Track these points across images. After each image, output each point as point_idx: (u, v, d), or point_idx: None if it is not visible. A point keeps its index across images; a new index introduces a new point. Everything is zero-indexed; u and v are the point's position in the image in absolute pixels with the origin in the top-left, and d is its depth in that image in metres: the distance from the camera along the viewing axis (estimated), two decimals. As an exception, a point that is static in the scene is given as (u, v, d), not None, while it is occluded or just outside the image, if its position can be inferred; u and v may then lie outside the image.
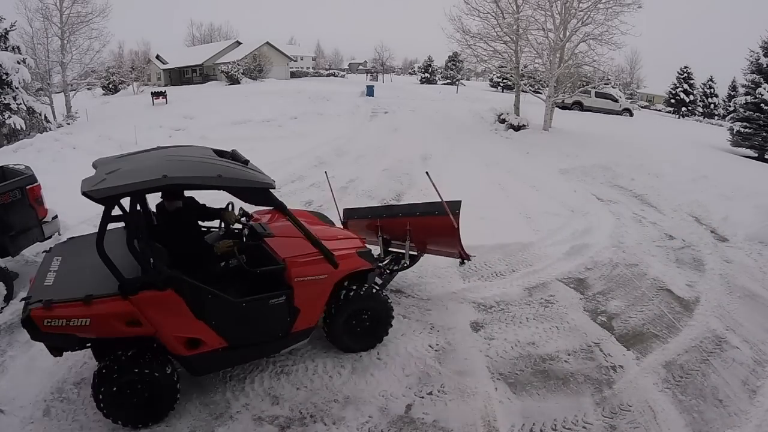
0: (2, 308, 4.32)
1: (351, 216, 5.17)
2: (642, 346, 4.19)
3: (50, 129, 14.98)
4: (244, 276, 3.51)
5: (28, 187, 4.67)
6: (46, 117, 15.66)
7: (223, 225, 4.18)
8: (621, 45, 13.20)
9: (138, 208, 3.26)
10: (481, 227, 6.84)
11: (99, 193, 2.75)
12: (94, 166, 3.50)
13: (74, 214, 6.20)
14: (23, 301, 2.92)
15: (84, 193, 2.75)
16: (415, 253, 4.71)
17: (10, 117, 14.02)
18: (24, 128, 14.26)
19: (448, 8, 15.26)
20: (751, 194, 8.42)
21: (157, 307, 2.99)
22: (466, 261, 4.62)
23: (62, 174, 8.55)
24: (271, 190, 3.29)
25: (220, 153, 3.58)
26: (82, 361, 3.72)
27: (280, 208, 3.37)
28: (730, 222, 7.33)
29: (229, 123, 14.32)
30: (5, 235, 4.46)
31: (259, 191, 3.29)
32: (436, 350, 3.97)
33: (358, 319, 3.81)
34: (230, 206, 4.04)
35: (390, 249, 4.96)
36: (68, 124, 16.64)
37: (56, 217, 5.04)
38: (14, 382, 3.47)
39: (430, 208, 4.43)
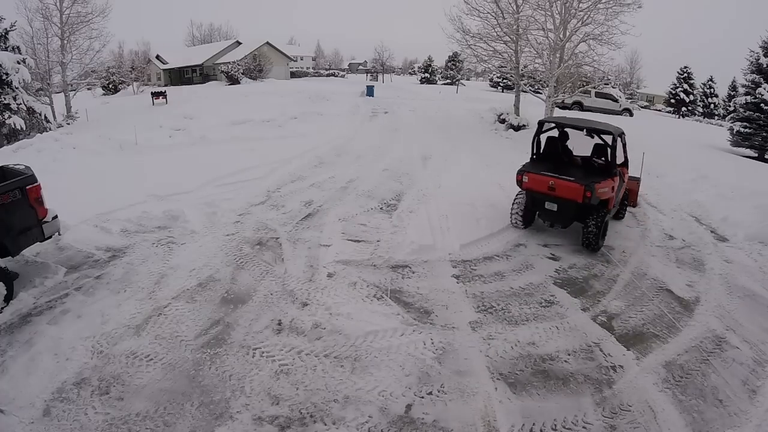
0: (2, 308, 4.32)
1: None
2: (642, 346, 4.19)
3: (50, 129, 14.99)
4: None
5: (28, 187, 4.66)
6: (46, 117, 15.67)
7: None
8: (621, 45, 13.20)
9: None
10: (482, 227, 6.85)
11: (617, 130, 6.67)
12: (542, 121, 6.96)
13: (74, 214, 6.21)
14: (582, 186, 5.73)
15: (606, 131, 6.41)
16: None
17: (10, 117, 14.03)
18: (24, 128, 14.27)
19: (448, 8, 15.29)
20: (751, 194, 8.41)
21: (616, 183, 6.33)
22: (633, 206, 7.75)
23: (62, 174, 8.56)
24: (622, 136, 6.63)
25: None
26: (81, 361, 3.72)
27: (624, 145, 6.93)
28: (730, 222, 7.33)
29: (229, 123, 14.34)
30: (5, 235, 4.46)
31: (619, 134, 6.53)
32: (436, 350, 3.98)
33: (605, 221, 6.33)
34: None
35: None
36: (68, 124, 16.65)
37: (56, 217, 5.04)
38: (14, 382, 3.47)
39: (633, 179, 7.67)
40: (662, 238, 6.86)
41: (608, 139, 6.43)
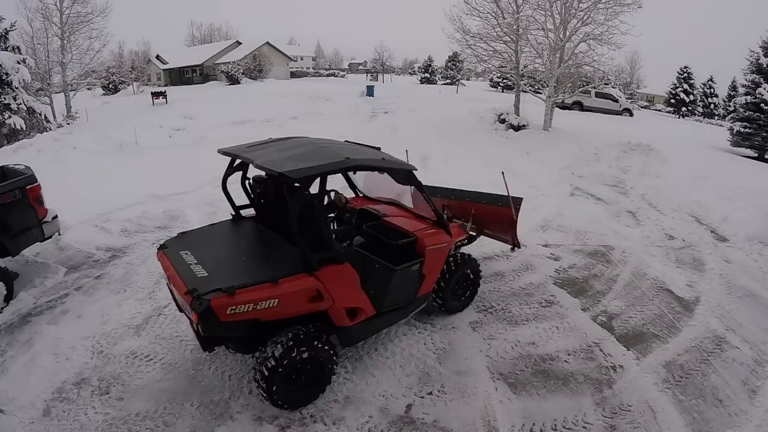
0: (2, 308, 4.32)
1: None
2: (642, 346, 4.19)
3: (50, 129, 14.99)
4: (385, 248, 3.94)
5: (28, 187, 4.67)
6: (46, 117, 15.67)
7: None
8: (621, 45, 13.20)
9: (324, 186, 3.36)
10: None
11: (298, 173, 2.94)
12: (227, 153, 3.72)
13: (74, 214, 6.21)
14: (191, 295, 2.74)
15: (281, 174, 2.90)
16: (474, 234, 5.21)
17: (10, 117, 14.03)
18: (24, 128, 14.27)
19: (448, 8, 15.28)
20: (751, 194, 8.41)
21: (336, 280, 3.17)
22: (516, 249, 5.38)
23: (62, 174, 8.56)
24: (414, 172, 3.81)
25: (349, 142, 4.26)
26: (81, 362, 3.72)
27: (419, 187, 3.89)
28: (730, 222, 7.33)
29: (229, 123, 14.34)
30: (5, 235, 4.46)
31: (407, 173, 3.79)
32: (436, 350, 3.97)
33: (460, 283, 4.43)
34: (332, 193, 4.42)
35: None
36: (68, 124, 16.66)
37: (56, 217, 5.05)
38: (14, 382, 3.47)
39: (496, 199, 5.08)
40: (662, 238, 6.86)
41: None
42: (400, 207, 4.58)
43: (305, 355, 3.08)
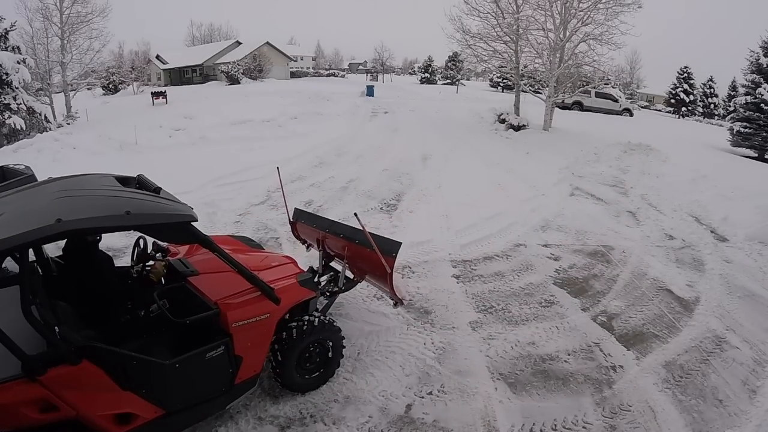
0: None
1: (299, 218, 4.68)
2: (642, 346, 4.19)
3: (50, 129, 14.98)
4: (172, 326, 2.88)
5: (28, 187, 4.66)
6: (46, 117, 15.66)
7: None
8: (621, 45, 13.21)
9: (27, 263, 2.29)
10: (482, 227, 6.86)
11: None
12: None
13: (74, 214, 6.21)
14: None
15: None
16: (351, 277, 4.14)
17: (10, 117, 14.03)
18: (24, 128, 14.26)
19: (448, 8, 15.29)
20: (751, 194, 8.41)
21: (72, 384, 2.34)
22: (398, 305, 3.83)
23: (62, 174, 8.56)
24: (193, 223, 2.63)
25: (123, 181, 2.89)
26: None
27: (205, 243, 2.77)
28: (730, 222, 7.33)
29: (229, 123, 14.32)
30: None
31: (179, 226, 2.59)
32: (436, 350, 3.97)
33: (308, 356, 3.38)
34: (141, 241, 3.48)
35: (331, 264, 4.40)
36: (68, 124, 16.63)
37: (56, 217, 5.03)
38: (14, 382, 3.46)
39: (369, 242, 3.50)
40: (662, 238, 6.86)
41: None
42: (229, 260, 2.94)
43: None
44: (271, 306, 3.11)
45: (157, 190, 2.82)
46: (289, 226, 4.84)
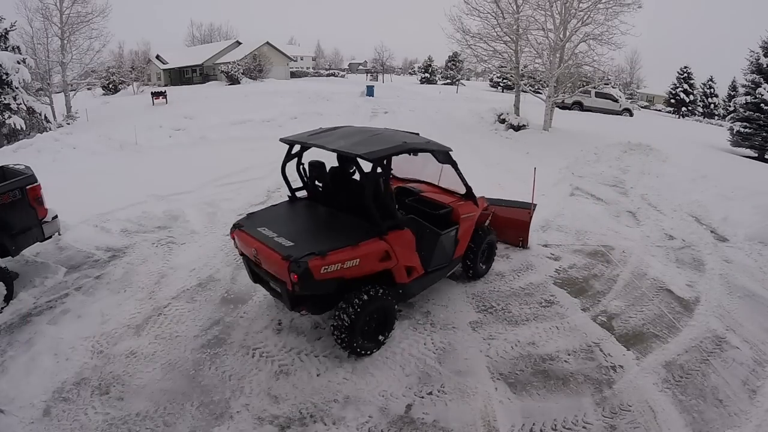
0: (2, 308, 4.32)
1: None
2: (642, 346, 4.19)
3: (50, 129, 14.99)
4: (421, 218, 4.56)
5: (28, 187, 4.66)
6: (46, 117, 15.67)
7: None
8: (621, 45, 13.21)
9: (389, 167, 4.00)
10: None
11: (374, 155, 3.61)
12: (290, 141, 4.30)
13: (74, 214, 6.21)
14: (288, 260, 3.28)
15: (359, 155, 3.59)
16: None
17: (10, 117, 14.03)
18: (24, 128, 14.27)
19: (448, 8, 15.29)
20: (751, 194, 8.41)
21: (399, 243, 3.83)
22: (523, 247, 6.07)
23: (62, 174, 8.57)
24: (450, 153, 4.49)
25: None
26: (81, 362, 3.72)
27: (454, 165, 4.61)
28: (730, 222, 7.32)
29: (229, 123, 14.33)
30: (5, 235, 4.46)
31: (446, 153, 4.48)
32: (436, 350, 3.97)
33: (483, 250, 5.13)
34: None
35: None
36: (68, 124, 16.65)
37: (56, 217, 5.04)
38: (14, 382, 3.47)
39: (514, 203, 6.16)
40: (662, 238, 6.86)
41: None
42: (428, 184, 5.36)
43: (377, 307, 3.72)
44: (475, 208, 4.93)
45: (417, 134, 4.72)
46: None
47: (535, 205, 5.78)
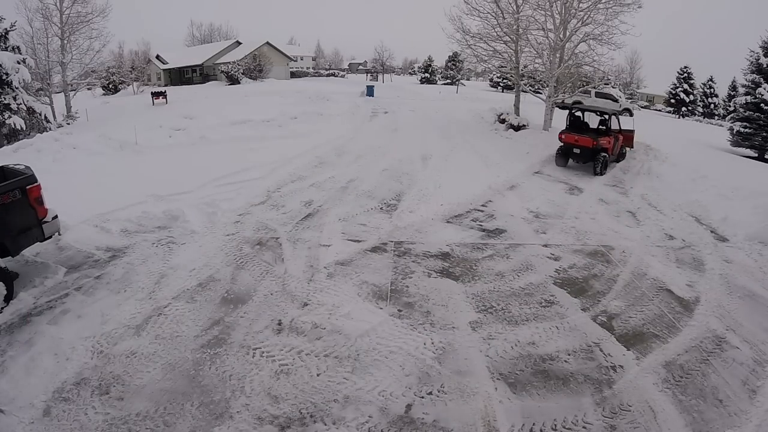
0: (2, 308, 4.32)
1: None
2: (642, 346, 4.19)
3: (50, 129, 14.99)
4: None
5: (28, 187, 4.66)
6: (46, 117, 15.67)
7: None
8: (621, 45, 13.20)
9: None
10: (482, 227, 6.86)
11: (612, 112, 10.66)
12: (572, 106, 10.63)
13: (74, 214, 6.21)
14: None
15: (603, 111, 10.59)
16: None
17: (10, 117, 14.03)
18: (24, 128, 14.26)
19: (448, 8, 15.29)
20: (750, 194, 8.41)
21: (612, 140, 10.99)
22: (629, 149, 11.97)
23: (62, 174, 8.56)
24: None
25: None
26: (81, 362, 3.72)
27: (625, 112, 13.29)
28: (730, 222, 7.33)
29: (229, 123, 14.32)
30: (5, 235, 4.46)
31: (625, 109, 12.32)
32: (435, 350, 3.97)
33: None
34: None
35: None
36: (68, 124, 16.65)
37: (56, 217, 5.04)
38: (14, 382, 3.47)
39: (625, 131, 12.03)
40: (662, 238, 6.86)
41: (607, 116, 10.84)
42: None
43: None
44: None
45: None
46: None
47: (633, 131, 11.70)
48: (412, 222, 6.85)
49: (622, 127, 11.45)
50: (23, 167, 5.03)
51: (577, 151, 10.51)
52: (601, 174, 10.26)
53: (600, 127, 10.91)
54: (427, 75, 50.80)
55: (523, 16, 14.13)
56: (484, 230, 6.77)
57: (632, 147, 12.08)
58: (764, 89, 17.54)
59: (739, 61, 19.63)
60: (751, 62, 18.46)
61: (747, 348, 4.22)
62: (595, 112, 11.09)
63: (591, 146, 10.22)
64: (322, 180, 9.02)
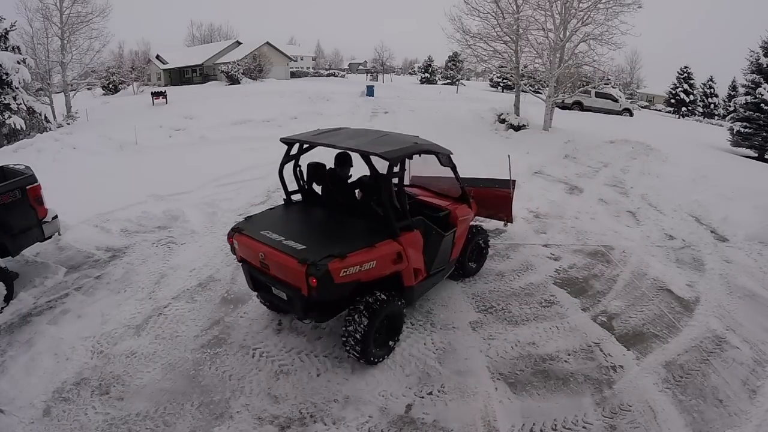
0: (2, 308, 4.32)
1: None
2: (642, 346, 4.19)
3: (50, 129, 14.99)
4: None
5: (28, 187, 4.66)
6: (46, 117, 15.66)
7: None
8: (621, 45, 13.21)
9: (403, 168, 3.92)
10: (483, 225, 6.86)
11: (391, 154, 3.52)
12: (290, 141, 4.19)
13: (74, 214, 6.21)
14: (305, 263, 3.11)
15: (377, 154, 3.48)
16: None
17: (10, 117, 14.03)
18: (24, 128, 14.26)
19: (448, 8, 15.29)
20: (751, 194, 8.41)
21: (410, 244, 3.74)
22: (509, 224, 6.00)
23: (62, 174, 8.57)
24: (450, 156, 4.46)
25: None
26: (81, 362, 3.72)
27: (453, 168, 4.54)
28: (730, 222, 7.33)
29: (229, 123, 14.33)
30: (5, 235, 4.46)
31: (448, 156, 4.42)
32: (436, 350, 3.97)
33: (473, 251, 5.18)
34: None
35: None
36: (68, 124, 16.64)
37: (56, 217, 5.04)
38: (14, 382, 3.47)
39: (491, 183, 5.89)
40: (662, 238, 6.86)
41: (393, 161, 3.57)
42: (421, 188, 5.31)
43: (389, 311, 3.63)
44: (470, 211, 4.93)
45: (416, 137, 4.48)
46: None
47: (514, 181, 5.67)
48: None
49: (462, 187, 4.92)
50: (23, 167, 5.04)
51: (280, 293, 3.61)
52: (366, 359, 3.75)
53: (364, 196, 4.36)
54: (427, 75, 50.80)
55: (523, 16, 14.14)
56: (484, 230, 6.76)
57: (510, 220, 5.80)
58: (764, 89, 17.54)
59: (739, 61, 19.66)
60: (751, 62, 18.46)
61: (747, 348, 4.22)
62: (364, 153, 3.69)
63: (305, 290, 3.21)
64: (322, 180, 9.01)
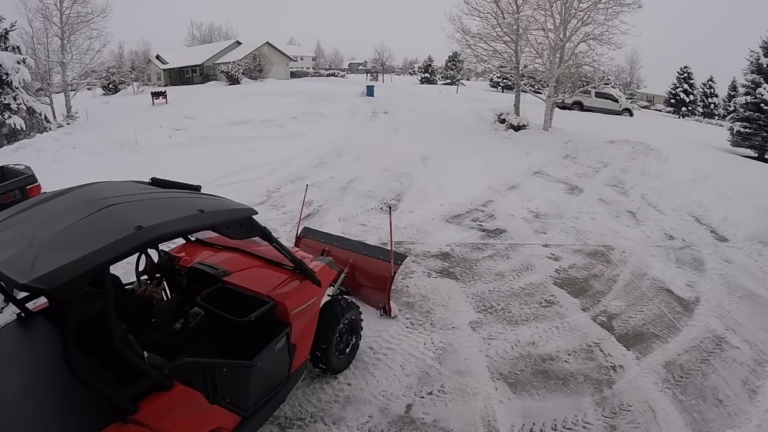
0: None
1: (306, 235, 4.86)
2: (642, 346, 4.19)
3: (50, 129, 14.98)
4: (216, 330, 2.87)
5: (28, 187, 4.67)
6: (46, 117, 15.66)
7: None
8: (621, 45, 13.25)
9: (110, 286, 1.89)
10: (482, 227, 6.86)
11: (51, 280, 1.55)
12: None
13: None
14: None
15: (25, 287, 1.54)
16: (343, 289, 4.09)
17: (10, 117, 14.03)
18: (24, 128, 14.26)
19: (448, 8, 15.31)
20: (751, 194, 8.42)
21: (168, 412, 2.06)
22: (384, 315, 4.32)
23: (62, 174, 8.55)
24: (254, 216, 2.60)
25: (159, 183, 2.75)
26: (82, 361, 3.71)
27: (265, 235, 2.79)
28: (730, 222, 7.33)
29: (229, 123, 14.34)
30: (5, 235, 4.46)
31: (246, 221, 2.54)
32: (436, 350, 3.97)
33: (342, 336, 3.54)
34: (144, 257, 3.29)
35: None
36: (68, 124, 16.64)
37: (56, 217, 5.04)
38: (14, 382, 3.46)
39: (377, 252, 4.33)
40: (662, 238, 6.86)
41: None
42: (245, 253, 3.58)
43: None
44: (315, 289, 3.14)
45: (198, 188, 2.78)
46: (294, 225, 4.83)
47: (405, 256, 4.26)
48: (412, 222, 6.86)
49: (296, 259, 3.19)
50: (23, 167, 5.04)
51: None
52: None
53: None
54: (427, 75, 50.81)
55: (523, 16, 14.15)
56: (484, 230, 6.77)
57: (388, 312, 4.34)
58: (764, 89, 17.55)
59: (739, 61, 19.67)
60: (751, 62, 18.48)
61: (747, 348, 4.22)
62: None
63: None
64: (322, 180, 9.02)
